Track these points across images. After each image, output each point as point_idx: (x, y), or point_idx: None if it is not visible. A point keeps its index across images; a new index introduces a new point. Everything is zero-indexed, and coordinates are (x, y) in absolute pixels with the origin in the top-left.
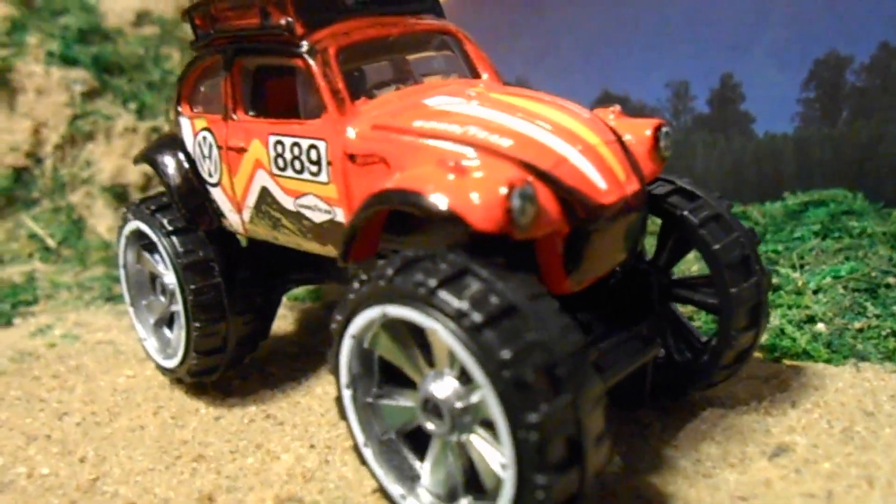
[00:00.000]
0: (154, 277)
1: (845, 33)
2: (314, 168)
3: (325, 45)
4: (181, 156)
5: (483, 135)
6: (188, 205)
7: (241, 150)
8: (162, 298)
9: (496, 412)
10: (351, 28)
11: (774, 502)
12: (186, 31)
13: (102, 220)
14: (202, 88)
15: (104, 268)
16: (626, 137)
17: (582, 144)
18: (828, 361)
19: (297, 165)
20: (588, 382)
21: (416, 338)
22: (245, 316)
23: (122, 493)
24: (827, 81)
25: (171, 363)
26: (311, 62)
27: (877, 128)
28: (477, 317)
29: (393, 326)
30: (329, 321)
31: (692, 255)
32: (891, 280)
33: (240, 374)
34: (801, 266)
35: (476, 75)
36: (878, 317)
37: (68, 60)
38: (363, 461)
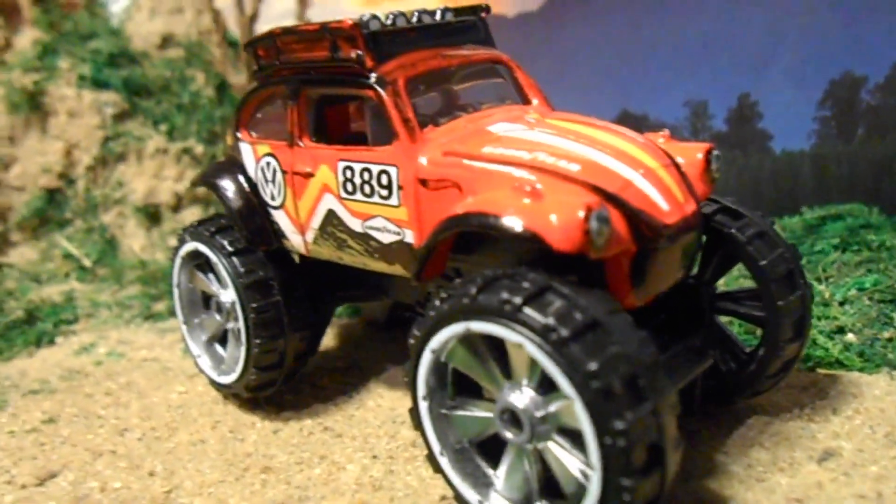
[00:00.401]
0: (207, 296)
1: (860, 54)
2: (385, 192)
3: (395, 76)
4: (241, 179)
5: (551, 160)
6: (249, 226)
7: (308, 175)
8: (217, 317)
9: (583, 420)
10: (416, 60)
11: (828, 503)
12: (211, 53)
13: (135, 240)
14: (259, 115)
15: (140, 286)
16: (679, 160)
17: (643, 168)
18: (861, 370)
19: (367, 189)
20: (665, 391)
21: (492, 351)
22: (301, 332)
23: None
24: (842, 100)
25: (228, 379)
26: (383, 93)
27: (891, 145)
28: (564, 331)
29: (470, 341)
30: (373, 337)
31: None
32: None
33: (291, 388)
34: (826, 279)
35: (526, 101)
36: None
37: (99, 83)
38: (438, 469)
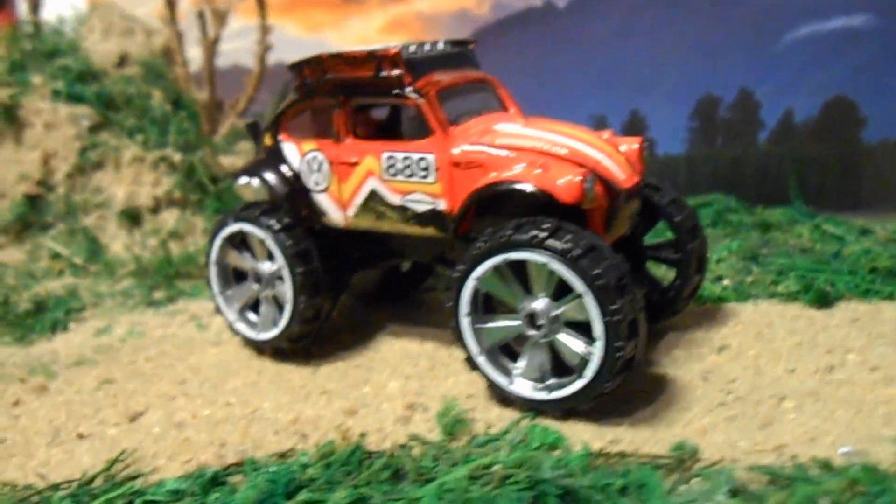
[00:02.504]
0: (237, 271)
1: (717, 80)
2: (423, 173)
3: (428, 89)
4: (284, 169)
5: (547, 146)
6: (295, 207)
7: (354, 164)
8: (254, 286)
9: (591, 307)
10: (438, 78)
11: (727, 373)
12: (174, 71)
13: (117, 241)
14: (293, 121)
15: (135, 280)
16: (622, 148)
17: (605, 151)
18: (736, 300)
19: (408, 172)
20: (637, 288)
21: (515, 275)
22: (332, 292)
23: (281, 417)
24: (706, 115)
25: (269, 335)
26: (421, 101)
27: (741, 149)
28: (576, 251)
29: (500, 269)
30: (367, 306)
31: None
32: (764, 251)
33: (315, 343)
34: None
35: (506, 110)
36: (760, 273)
37: (73, 97)
38: (475, 367)
